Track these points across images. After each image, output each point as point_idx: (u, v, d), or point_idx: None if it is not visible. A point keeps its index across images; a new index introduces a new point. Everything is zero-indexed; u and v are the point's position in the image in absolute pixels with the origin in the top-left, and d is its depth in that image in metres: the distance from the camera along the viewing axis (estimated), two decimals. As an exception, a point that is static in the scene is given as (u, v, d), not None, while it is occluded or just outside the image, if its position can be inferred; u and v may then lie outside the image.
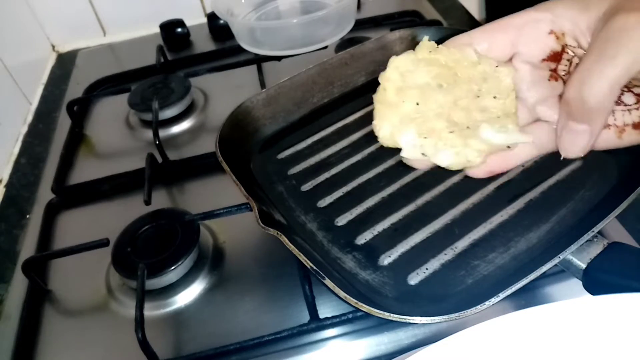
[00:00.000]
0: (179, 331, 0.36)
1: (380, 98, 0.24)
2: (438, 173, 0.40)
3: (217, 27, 0.69)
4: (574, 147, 0.24)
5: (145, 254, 0.39)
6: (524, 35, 0.26)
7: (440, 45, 0.25)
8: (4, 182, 0.53)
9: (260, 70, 0.58)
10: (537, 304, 0.21)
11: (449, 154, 0.24)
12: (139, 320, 0.33)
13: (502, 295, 0.27)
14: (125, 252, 0.39)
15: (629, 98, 0.25)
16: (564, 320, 0.21)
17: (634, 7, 0.22)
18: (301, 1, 0.68)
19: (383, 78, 0.25)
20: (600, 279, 0.29)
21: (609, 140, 0.25)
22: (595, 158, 0.38)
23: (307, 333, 0.34)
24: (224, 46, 0.67)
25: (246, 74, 0.60)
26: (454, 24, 0.67)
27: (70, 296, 0.40)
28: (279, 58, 0.60)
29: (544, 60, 0.26)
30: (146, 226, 0.41)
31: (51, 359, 0.36)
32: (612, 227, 0.37)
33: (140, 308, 0.33)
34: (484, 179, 0.39)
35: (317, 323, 0.34)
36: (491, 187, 0.38)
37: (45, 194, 0.49)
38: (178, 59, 0.66)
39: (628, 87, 0.25)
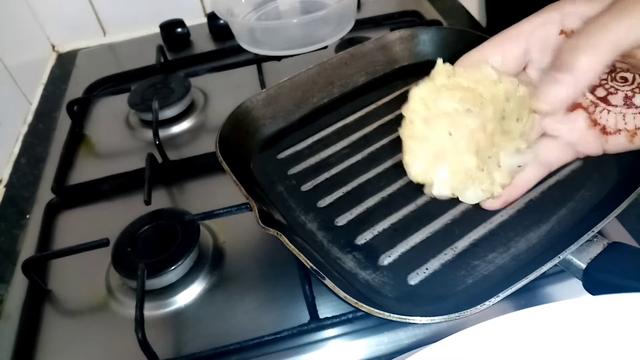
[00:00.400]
0: (179, 331, 0.36)
1: (408, 132, 0.23)
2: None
3: (217, 27, 0.69)
4: (549, 95, 0.23)
5: (145, 254, 0.39)
6: (535, 41, 0.25)
7: (455, 66, 0.24)
8: (4, 182, 0.53)
9: (260, 70, 0.58)
10: (537, 304, 0.21)
11: (477, 192, 0.24)
12: (139, 320, 0.33)
13: (502, 295, 0.27)
14: (125, 252, 0.39)
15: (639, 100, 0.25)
16: (564, 320, 0.21)
17: None
18: (301, 1, 0.68)
19: (408, 111, 0.24)
20: (600, 279, 0.29)
21: (619, 144, 0.25)
22: (595, 158, 0.38)
23: (307, 333, 0.34)
24: (224, 46, 0.67)
25: (246, 74, 0.60)
26: (454, 24, 0.67)
27: (70, 296, 0.40)
28: (279, 58, 0.60)
29: None
30: (146, 226, 0.41)
31: (51, 358, 0.36)
32: (612, 227, 0.37)
33: (140, 308, 0.34)
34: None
35: (317, 323, 0.34)
36: (491, 187, 0.38)
37: (45, 194, 0.49)
38: (178, 59, 0.66)
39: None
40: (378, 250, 0.35)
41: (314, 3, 0.66)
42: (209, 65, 0.61)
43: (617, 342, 0.21)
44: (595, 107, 0.26)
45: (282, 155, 0.44)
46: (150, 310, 0.37)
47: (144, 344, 0.32)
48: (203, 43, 0.70)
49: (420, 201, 0.38)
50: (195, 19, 0.73)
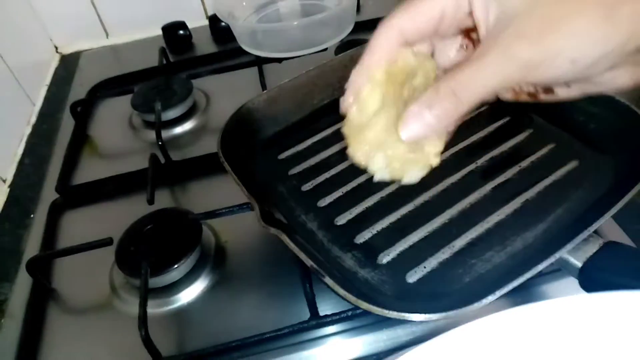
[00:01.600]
0: (181, 328, 0.36)
1: (347, 130, 0.26)
2: (436, 173, 0.41)
3: (218, 29, 0.70)
4: (409, 129, 0.23)
5: (148, 252, 0.39)
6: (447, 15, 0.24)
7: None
8: (8, 182, 0.54)
9: (261, 72, 0.59)
10: (533, 302, 0.21)
11: (416, 173, 0.26)
12: (142, 318, 0.33)
13: (498, 293, 0.27)
14: (129, 251, 0.39)
15: None
16: (560, 318, 0.21)
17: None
18: (301, 4, 0.69)
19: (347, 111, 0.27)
20: (596, 278, 0.29)
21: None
22: (591, 158, 0.39)
23: (308, 330, 0.35)
24: (226, 48, 0.68)
25: (247, 75, 0.60)
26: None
27: (74, 295, 0.40)
28: (279, 60, 0.60)
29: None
30: (149, 225, 0.41)
31: (55, 356, 0.36)
32: (608, 227, 0.37)
33: (143, 306, 0.34)
34: (481, 179, 0.40)
35: (317, 320, 0.34)
36: (488, 187, 0.39)
37: (49, 194, 0.49)
38: (180, 60, 0.67)
39: None
40: (377, 249, 0.36)
41: (314, 6, 0.67)
42: (210, 67, 0.62)
43: (612, 340, 0.21)
44: None
45: (283, 155, 0.45)
46: (153, 308, 0.37)
47: (147, 341, 0.33)
48: (205, 45, 0.70)
49: (418, 201, 0.39)
50: (197, 21, 0.73)
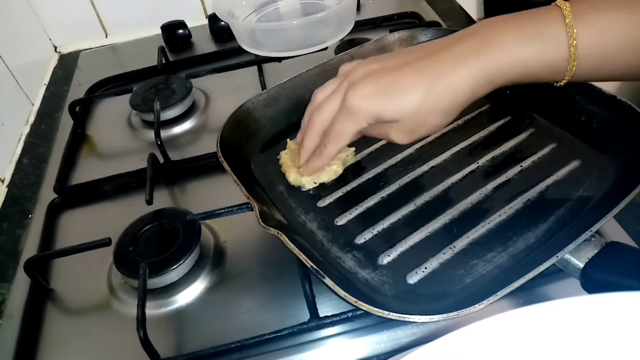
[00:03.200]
0: (180, 330, 0.36)
1: (284, 164, 0.42)
2: (436, 173, 0.41)
3: (218, 28, 0.70)
4: (309, 167, 0.39)
5: (146, 253, 0.39)
6: None
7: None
8: (7, 182, 0.54)
9: (260, 71, 0.59)
10: (535, 303, 0.21)
11: (328, 174, 0.41)
12: (141, 319, 0.33)
13: (500, 294, 0.27)
14: (127, 251, 0.39)
15: None
16: (562, 319, 0.21)
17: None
18: (301, 3, 0.69)
19: (281, 154, 0.43)
20: (597, 279, 0.29)
21: None
22: (593, 158, 0.39)
23: (308, 331, 0.34)
24: (225, 47, 0.68)
25: (247, 75, 0.60)
26: (452, 26, 0.67)
27: (72, 295, 0.40)
28: (279, 59, 0.60)
29: None
30: (148, 226, 0.41)
31: (53, 357, 0.36)
32: (610, 227, 0.37)
33: (142, 307, 0.34)
34: (482, 179, 0.40)
35: (317, 321, 0.34)
36: (490, 187, 0.38)
37: (47, 194, 0.49)
38: (179, 60, 0.67)
39: None
40: (377, 249, 0.35)
41: (314, 5, 0.67)
42: (210, 66, 0.62)
43: (614, 341, 0.21)
44: None
45: (283, 155, 0.45)
46: (152, 309, 0.37)
47: (146, 343, 0.33)
48: (204, 44, 0.70)
49: (419, 201, 0.38)
50: (196, 21, 0.73)
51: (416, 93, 0.32)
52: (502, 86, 0.33)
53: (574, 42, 0.30)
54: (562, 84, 0.33)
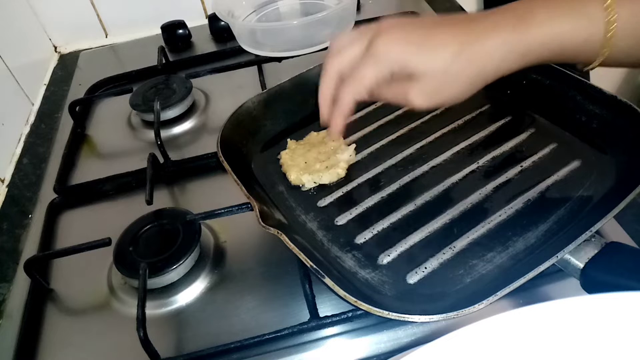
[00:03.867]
0: (180, 330, 0.36)
1: (284, 164, 0.42)
2: (437, 173, 0.41)
3: (218, 28, 0.70)
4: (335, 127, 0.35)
5: (146, 253, 0.39)
6: None
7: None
8: (7, 182, 0.54)
9: (260, 71, 0.59)
10: (535, 303, 0.21)
11: (330, 176, 0.41)
12: (141, 319, 0.33)
13: (500, 294, 0.27)
14: (127, 251, 0.39)
15: None
16: (562, 319, 0.21)
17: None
18: (301, 3, 0.69)
19: (282, 154, 0.43)
20: (597, 279, 0.29)
21: None
22: (593, 158, 0.39)
23: (307, 331, 0.34)
24: (225, 47, 0.68)
25: (247, 75, 0.60)
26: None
27: (72, 295, 0.40)
28: (279, 59, 0.60)
29: None
30: (148, 226, 0.41)
31: (53, 357, 0.36)
32: (610, 227, 0.37)
33: (141, 307, 0.34)
34: (482, 179, 0.40)
35: (317, 321, 0.34)
36: (490, 187, 0.38)
37: (47, 194, 0.49)
38: (179, 60, 0.67)
39: None
40: (377, 249, 0.35)
41: (314, 5, 0.67)
42: (210, 66, 0.62)
43: (614, 341, 0.21)
44: None
45: (283, 155, 0.45)
46: (152, 309, 0.37)
47: (146, 343, 0.33)
48: (204, 44, 0.70)
49: (419, 201, 0.38)
50: (196, 21, 0.73)
51: (449, 50, 0.31)
52: (533, 64, 0.31)
53: (614, 20, 0.29)
54: (594, 66, 0.32)
